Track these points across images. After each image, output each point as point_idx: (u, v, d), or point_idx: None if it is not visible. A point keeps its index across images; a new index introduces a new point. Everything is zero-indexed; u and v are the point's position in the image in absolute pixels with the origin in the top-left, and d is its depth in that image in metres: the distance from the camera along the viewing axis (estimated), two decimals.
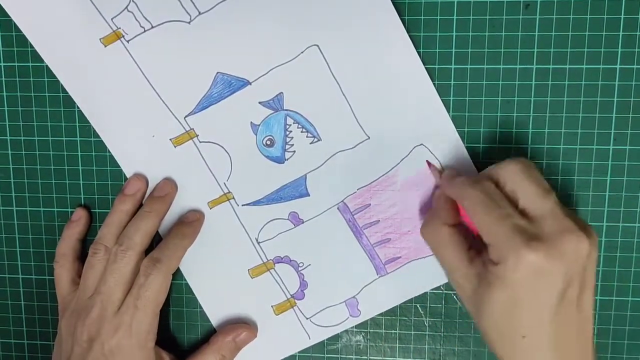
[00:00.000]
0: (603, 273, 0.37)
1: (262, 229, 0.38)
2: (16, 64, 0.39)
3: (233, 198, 0.38)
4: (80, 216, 0.39)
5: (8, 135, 0.39)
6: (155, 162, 0.38)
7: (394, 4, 0.35)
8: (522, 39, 0.36)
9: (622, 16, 0.35)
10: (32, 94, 0.39)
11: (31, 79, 0.39)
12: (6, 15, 0.38)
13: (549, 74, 0.36)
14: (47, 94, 0.39)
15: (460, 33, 0.36)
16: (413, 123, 0.36)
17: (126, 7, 0.36)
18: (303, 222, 0.38)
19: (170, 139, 0.38)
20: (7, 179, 0.40)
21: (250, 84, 0.37)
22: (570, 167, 0.37)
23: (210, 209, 0.38)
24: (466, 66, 0.36)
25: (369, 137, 0.37)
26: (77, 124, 0.39)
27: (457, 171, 0.36)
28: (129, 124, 0.38)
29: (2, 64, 0.39)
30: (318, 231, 0.38)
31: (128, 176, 0.39)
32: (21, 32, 0.38)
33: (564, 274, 0.29)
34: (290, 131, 0.37)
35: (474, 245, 0.33)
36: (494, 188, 0.31)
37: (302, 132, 0.37)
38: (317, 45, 0.36)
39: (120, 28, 0.36)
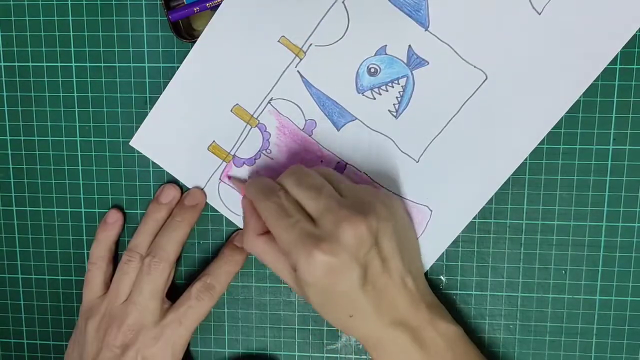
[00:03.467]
0: (603, 273, 0.37)
1: None
2: (16, 64, 0.39)
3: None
4: (116, 219, 0.39)
5: (8, 135, 0.39)
6: None
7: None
8: None
9: None
10: (32, 94, 0.39)
11: (31, 79, 0.39)
12: (6, 15, 0.38)
13: None
14: (47, 94, 0.39)
15: None
16: None
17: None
18: None
19: None
20: (7, 179, 0.40)
21: None
22: (570, 167, 0.37)
23: None
24: None
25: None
26: (77, 124, 0.39)
27: (259, 178, 0.36)
28: None
29: (2, 63, 0.39)
30: None
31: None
32: (21, 32, 0.38)
33: (354, 260, 0.31)
34: None
35: None
36: (286, 196, 0.33)
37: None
38: None
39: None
